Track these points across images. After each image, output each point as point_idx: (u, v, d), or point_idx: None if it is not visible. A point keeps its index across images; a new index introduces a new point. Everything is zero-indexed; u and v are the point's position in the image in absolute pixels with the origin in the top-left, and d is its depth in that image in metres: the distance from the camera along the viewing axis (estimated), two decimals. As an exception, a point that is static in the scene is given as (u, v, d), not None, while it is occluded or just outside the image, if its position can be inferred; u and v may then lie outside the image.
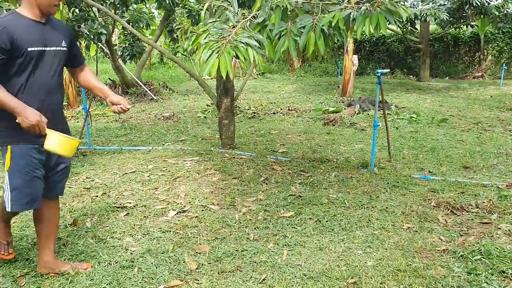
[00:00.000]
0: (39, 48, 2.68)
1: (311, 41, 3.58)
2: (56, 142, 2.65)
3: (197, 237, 3.55)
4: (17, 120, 2.55)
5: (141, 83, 11.32)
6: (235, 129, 6.39)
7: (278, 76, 16.99)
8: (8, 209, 2.74)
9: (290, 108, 9.70)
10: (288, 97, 11.63)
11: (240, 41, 3.51)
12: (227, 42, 3.49)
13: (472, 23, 14.36)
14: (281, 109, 9.68)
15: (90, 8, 10.13)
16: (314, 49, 3.61)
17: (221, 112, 6.11)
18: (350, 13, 3.58)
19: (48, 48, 2.73)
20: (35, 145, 2.72)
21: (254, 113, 9.21)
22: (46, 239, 3.01)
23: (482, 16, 13.40)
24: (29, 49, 2.62)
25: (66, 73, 9.65)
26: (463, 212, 3.98)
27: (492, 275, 2.93)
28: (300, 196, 4.38)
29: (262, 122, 8.31)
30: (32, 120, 2.56)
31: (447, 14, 12.04)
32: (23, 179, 2.70)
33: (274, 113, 9.19)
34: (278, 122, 8.32)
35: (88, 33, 9.64)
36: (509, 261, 3.07)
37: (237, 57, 3.47)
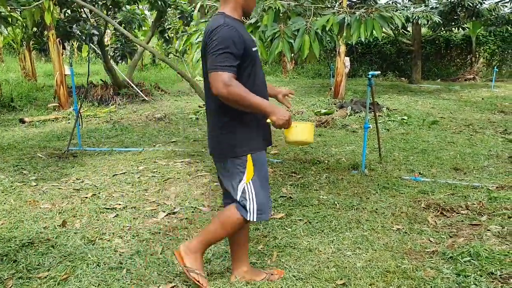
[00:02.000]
0: (256, 48, 2.58)
1: (306, 43, 3.59)
2: (304, 131, 2.56)
3: (187, 239, 3.54)
4: (268, 120, 2.48)
5: (132, 84, 11.28)
6: (227, 130, 6.37)
7: (271, 77, 17.01)
8: (253, 219, 2.59)
9: (282, 110, 9.69)
10: (281, 98, 11.62)
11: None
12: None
13: (464, 25, 14.45)
14: (273, 110, 9.66)
15: (82, 9, 10.10)
16: (309, 52, 3.62)
17: (213, 114, 6.09)
18: (344, 18, 3.59)
19: (257, 48, 2.64)
20: (265, 150, 2.67)
21: (246, 114, 9.19)
22: (246, 247, 2.87)
23: (474, 18, 13.49)
24: (253, 49, 2.52)
25: (57, 73, 9.60)
26: (453, 214, 3.99)
27: (481, 276, 2.94)
28: (291, 198, 4.38)
29: (254, 124, 8.29)
30: (286, 116, 2.45)
31: (439, 17, 12.11)
32: (265, 187, 2.62)
33: (266, 115, 9.17)
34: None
35: (80, 34, 9.62)
36: (498, 263, 3.08)
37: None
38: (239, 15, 2.57)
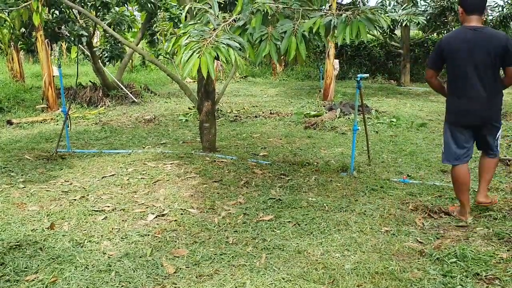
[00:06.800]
0: None
1: (293, 45, 3.61)
2: None
3: (175, 241, 3.54)
4: None
5: (122, 86, 11.24)
6: (217, 132, 6.39)
7: (261, 79, 17.03)
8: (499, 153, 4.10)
9: (272, 112, 9.72)
10: (270, 100, 11.65)
11: (222, 42, 3.52)
12: (208, 43, 3.50)
13: (453, 29, 14.58)
14: (263, 112, 9.69)
15: (70, 10, 10.05)
16: (295, 54, 3.65)
17: (202, 115, 6.10)
18: (331, 20, 3.62)
19: None
20: None
21: (236, 116, 9.21)
22: (483, 181, 4.06)
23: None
24: None
25: (46, 74, 9.54)
26: (440, 216, 4.03)
27: (467, 277, 2.98)
28: (280, 200, 4.39)
29: (243, 126, 8.32)
30: None
31: (424, 18, 12.21)
32: None
33: (256, 117, 9.20)
34: (260, 125, 8.33)
35: (68, 34, 9.57)
36: (483, 264, 3.12)
37: (218, 58, 3.48)
38: None
